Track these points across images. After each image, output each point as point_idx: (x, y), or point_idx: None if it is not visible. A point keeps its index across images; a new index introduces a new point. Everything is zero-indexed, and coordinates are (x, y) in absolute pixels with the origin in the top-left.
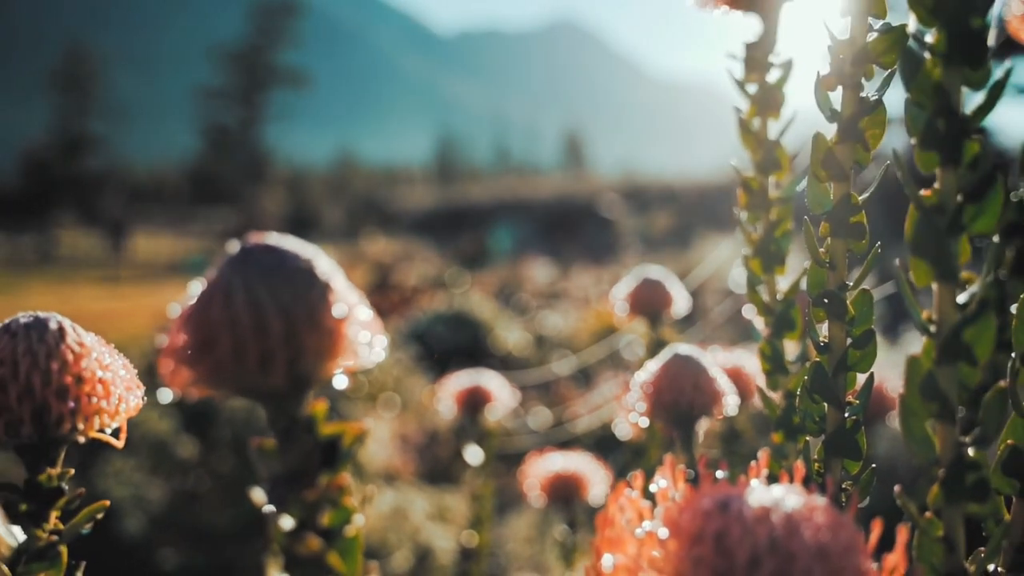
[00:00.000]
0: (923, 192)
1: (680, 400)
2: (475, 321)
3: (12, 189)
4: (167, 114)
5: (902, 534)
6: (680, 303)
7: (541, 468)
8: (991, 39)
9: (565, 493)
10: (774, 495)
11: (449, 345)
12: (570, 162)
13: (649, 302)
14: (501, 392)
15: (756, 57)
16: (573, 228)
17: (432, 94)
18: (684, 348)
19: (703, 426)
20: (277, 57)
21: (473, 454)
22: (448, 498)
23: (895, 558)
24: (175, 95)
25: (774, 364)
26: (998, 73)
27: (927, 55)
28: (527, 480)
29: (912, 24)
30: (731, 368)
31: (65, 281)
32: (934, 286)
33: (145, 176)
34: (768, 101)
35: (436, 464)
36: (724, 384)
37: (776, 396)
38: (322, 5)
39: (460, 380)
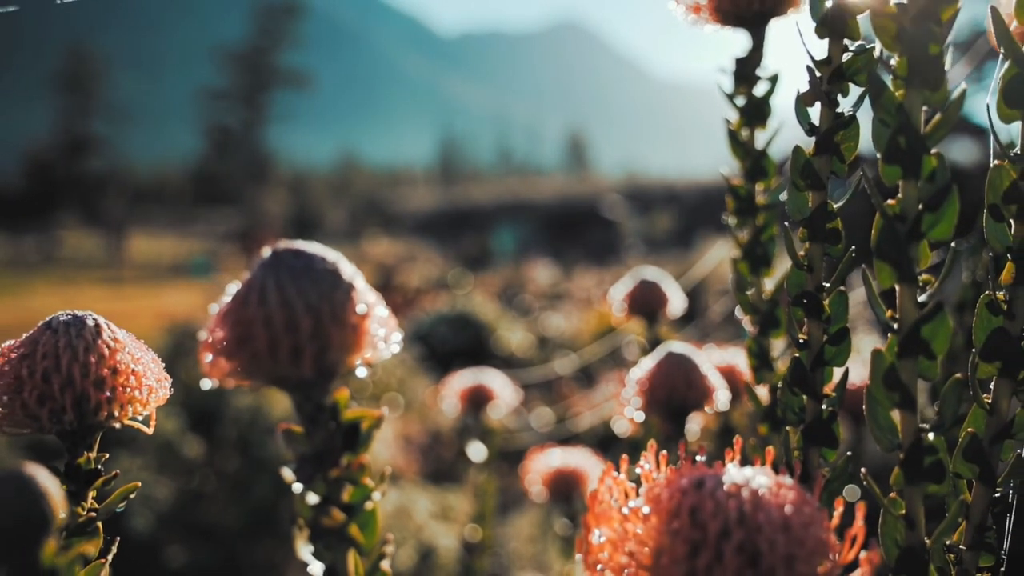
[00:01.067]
0: (888, 201)
1: (673, 396)
2: (478, 322)
3: (15, 190)
4: (170, 115)
5: (860, 509)
6: (676, 303)
7: (542, 464)
8: (948, 64)
9: (565, 488)
10: (745, 475)
11: (452, 346)
12: (572, 163)
13: (645, 302)
14: (503, 390)
15: (744, 71)
16: (575, 229)
17: (434, 95)
18: (677, 346)
19: (699, 421)
20: (280, 58)
21: (476, 450)
22: (451, 497)
23: (855, 530)
24: (178, 96)
25: (760, 360)
26: (955, 94)
27: (891, 78)
28: (528, 475)
29: (878, 49)
30: (725, 366)
31: (68, 282)
32: (896, 287)
33: (148, 177)
34: (755, 113)
35: (439, 464)
36: (715, 381)
37: (763, 390)
38: (324, 6)
39: (463, 378)
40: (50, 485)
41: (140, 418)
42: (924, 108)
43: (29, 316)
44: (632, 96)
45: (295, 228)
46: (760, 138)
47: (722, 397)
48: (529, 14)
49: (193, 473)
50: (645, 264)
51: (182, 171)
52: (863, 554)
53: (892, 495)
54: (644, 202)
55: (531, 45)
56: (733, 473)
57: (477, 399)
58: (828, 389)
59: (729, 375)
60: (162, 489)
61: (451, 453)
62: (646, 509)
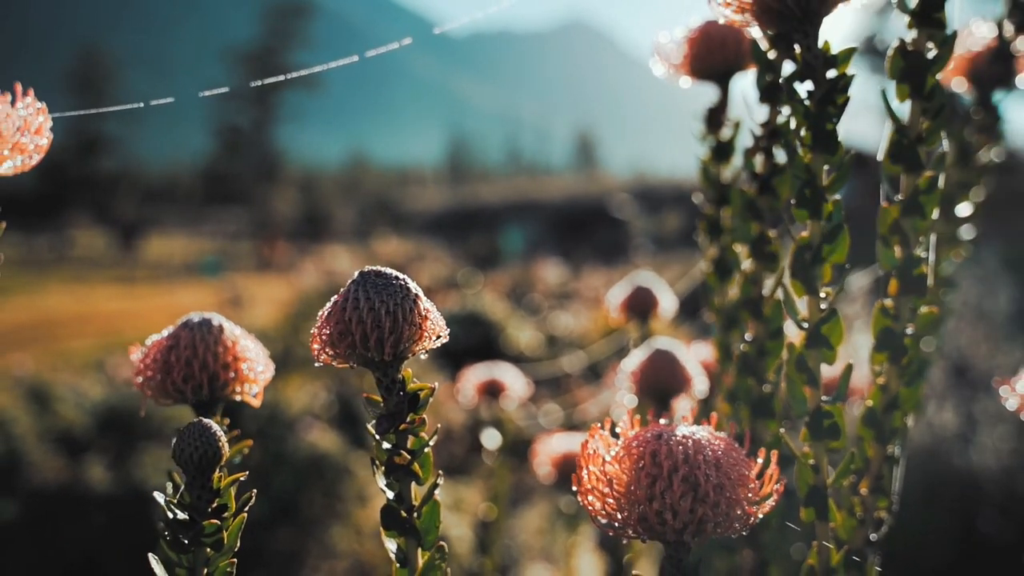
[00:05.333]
0: (801, 234)
1: (658, 383)
2: (487, 321)
3: (28, 190)
4: (180, 115)
5: (775, 454)
6: (667, 305)
7: (550, 448)
8: (841, 133)
9: (572, 471)
10: (691, 430)
11: (462, 345)
12: (581, 162)
13: (639, 305)
14: (515, 383)
15: (713, 118)
16: (584, 228)
17: (444, 95)
18: (663, 342)
19: (691, 407)
20: (289, 58)
21: (490, 436)
22: (463, 490)
23: (771, 470)
24: (188, 96)
25: (725, 353)
26: (846, 158)
27: (800, 144)
28: (538, 458)
29: (792, 122)
30: (708, 360)
31: (81, 281)
32: (805, 297)
33: (159, 177)
34: (722, 152)
35: (451, 459)
36: (694, 371)
37: (727, 377)
38: (333, 6)
39: (478, 372)
40: (221, 433)
41: (252, 393)
42: (824, 167)
43: (42, 315)
44: (641, 95)
45: (305, 227)
46: (726, 173)
47: (700, 384)
48: (538, 13)
49: None
50: (653, 264)
51: (192, 171)
52: (776, 486)
53: (805, 449)
54: (653, 201)
55: (540, 44)
56: (683, 429)
57: (491, 391)
58: (770, 375)
59: (710, 367)
60: None
61: (463, 449)
62: (621, 453)
